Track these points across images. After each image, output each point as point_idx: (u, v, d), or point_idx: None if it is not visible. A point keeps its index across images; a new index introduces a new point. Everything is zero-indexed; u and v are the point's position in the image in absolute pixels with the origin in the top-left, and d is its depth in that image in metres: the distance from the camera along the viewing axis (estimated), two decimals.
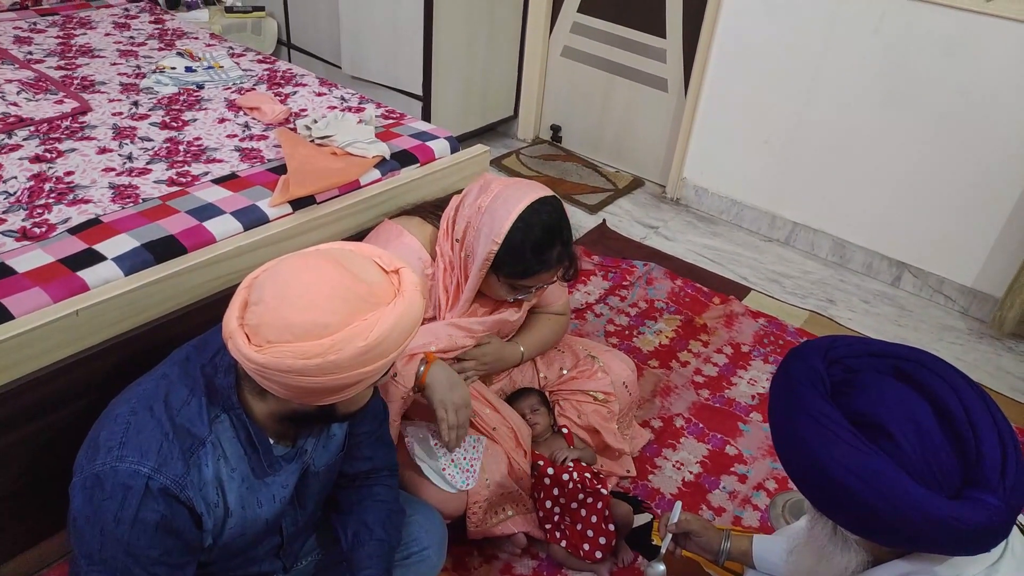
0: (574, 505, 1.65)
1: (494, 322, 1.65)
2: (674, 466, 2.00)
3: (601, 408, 1.81)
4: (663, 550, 1.42)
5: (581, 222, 3.08)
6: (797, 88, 2.83)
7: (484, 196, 1.51)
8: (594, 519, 1.64)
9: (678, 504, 1.45)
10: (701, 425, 2.13)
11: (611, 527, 1.66)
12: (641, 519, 1.82)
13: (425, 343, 1.56)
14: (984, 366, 2.52)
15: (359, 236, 1.86)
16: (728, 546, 1.41)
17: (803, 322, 2.62)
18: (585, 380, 1.81)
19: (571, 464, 1.67)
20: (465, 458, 1.60)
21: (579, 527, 1.64)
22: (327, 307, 0.96)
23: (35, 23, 2.68)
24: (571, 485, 1.64)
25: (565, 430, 1.75)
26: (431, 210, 1.67)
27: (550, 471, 1.64)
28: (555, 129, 3.70)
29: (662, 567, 1.44)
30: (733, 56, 2.93)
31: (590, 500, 1.66)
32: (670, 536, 1.43)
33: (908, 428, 0.83)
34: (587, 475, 1.68)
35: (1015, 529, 0.92)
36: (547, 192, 1.51)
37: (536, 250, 1.47)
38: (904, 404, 0.85)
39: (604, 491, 1.68)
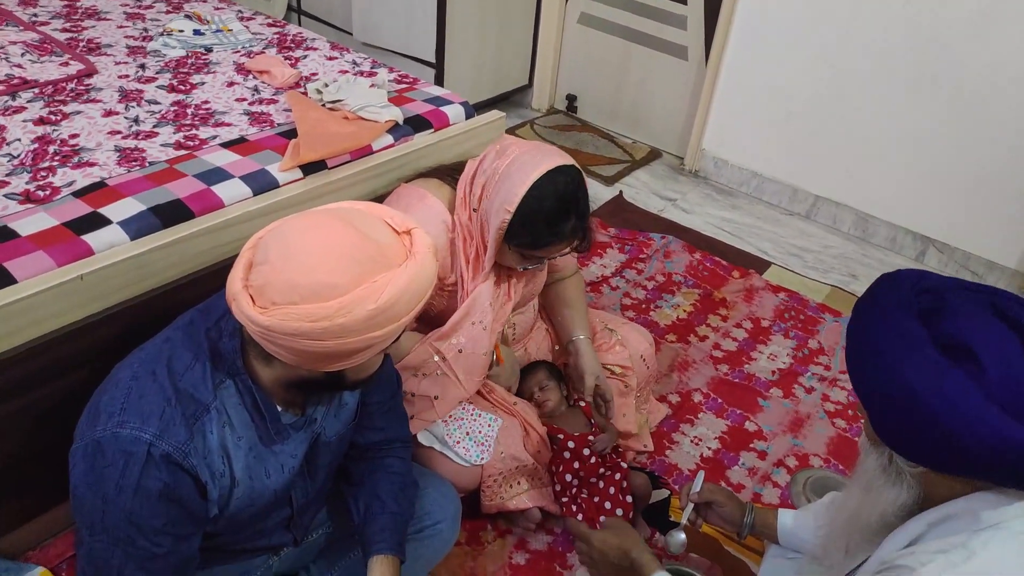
0: (592, 479, 1.61)
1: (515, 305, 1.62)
2: (692, 442, 1.95)
3: (618, 382, 1.77)
4: (684, 520, 1.38)
5: (597, 194, 3.01)
6: (821, 59, 2.74)
7: (501, 160, 1.44)
8: (612, 491, 1.61)
9: (701, 473, 1.41)
10: (720, 400, 2.08)
11: (629, 499, 1.62)
12: (658, 495, 1.78)
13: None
14: None
15: (372, 201, 1.82)
16: (752, 519, 1.37)
17: (824, 297, 2.56)
18: (603, 353, 1.77)
19: (592, 438, 1.62)
20: (481, 432, 1.57)
21: (596, 499, 1.60)
22: (335, 267, 0.91)
23: None
24: (593, 459, 1.60)
25: (583, 403, 1.70)
26: (448, 173, 1.60)
27: (571, 444, 1.60)
28: (571, 99, 3.62)
29: (683, 536, 1.40)
30: (756, 25, 2.84)
31: (608, 473, 1.62)
32: (691, 506, 1.39)
33: (995, 355, 0.81)
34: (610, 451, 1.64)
35: None
36: (566, 160, 1.43)
37: (549, 221, 1.39)
38: (994, 333, 0.83)
39: (623, 463, 1.64)
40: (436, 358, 1.51)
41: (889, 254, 2.85)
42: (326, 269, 0.90)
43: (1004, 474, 0.82)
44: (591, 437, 1.62)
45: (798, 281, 2.62)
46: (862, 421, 0.96)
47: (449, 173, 1.60)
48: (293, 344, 0.93)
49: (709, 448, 1.94)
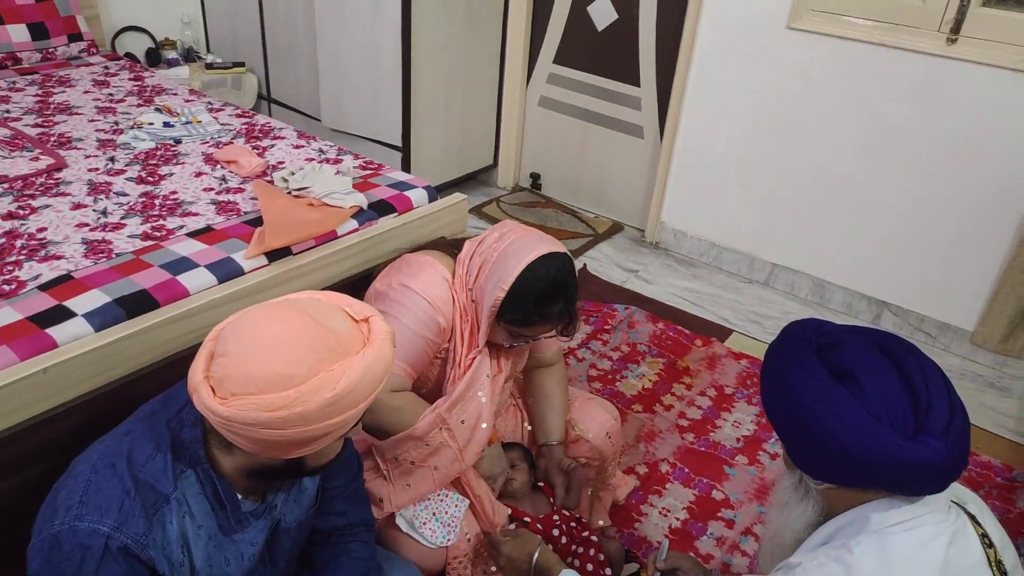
0: (568, 559, 1.62)
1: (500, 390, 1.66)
2: (660, 513, 1.96)
3: (587, 471, 1.79)
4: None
5: None
6: (772, 132, 2.88)
7: (501, 241, 1.53)
8: (590, 567, 1.61)
9: (665, 542, 1.44)
10: (687, 470, 2.11)
11: (608, 571, 1.62)
12: (629, 568, 1.78)
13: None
14: (968, 403, 2.46)
15: (335, 286, 1.85)
16: None
17: None
18: (571, 446, 1.79)
19: (556, 518, 1.64)
20: (447, 513, 1.57)
21: None
22: (292, 358, 0.93)
23: (14, 82, 2.70)
24: (563, 540, 1.61)
25: (541, 484, 1.73)
26: (448, 246, 1.66)
27: (539, 527, 1.61)
28: (534, 177, 3.74)
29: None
30: (707, 101, 2.99)
31: (581, 550, 1.63)
32: (658, 575, 1.40)
33: (873, 378, 0.97)
34: (572, 523, 1.65)
35: (960, 511, 1.02)
36: (560, 248, 1.51)
37: (538, 302, 1.46)
38: (873, 362, 0.99)
39: (593, 538, 1.65)
40: (442, 430, 1.54)
41: (846, 318, 2.94)
42: (283, 360, 0.93)
43: (886, 479, 0.95)
44: (555, 516, 1.63)
45: (759, 347, 2.69)
46: (780, 451, 1.07)
47: (448, 247, 1.66)
48: (253, 433, 0.95)
49: (677, 519, 1.95)
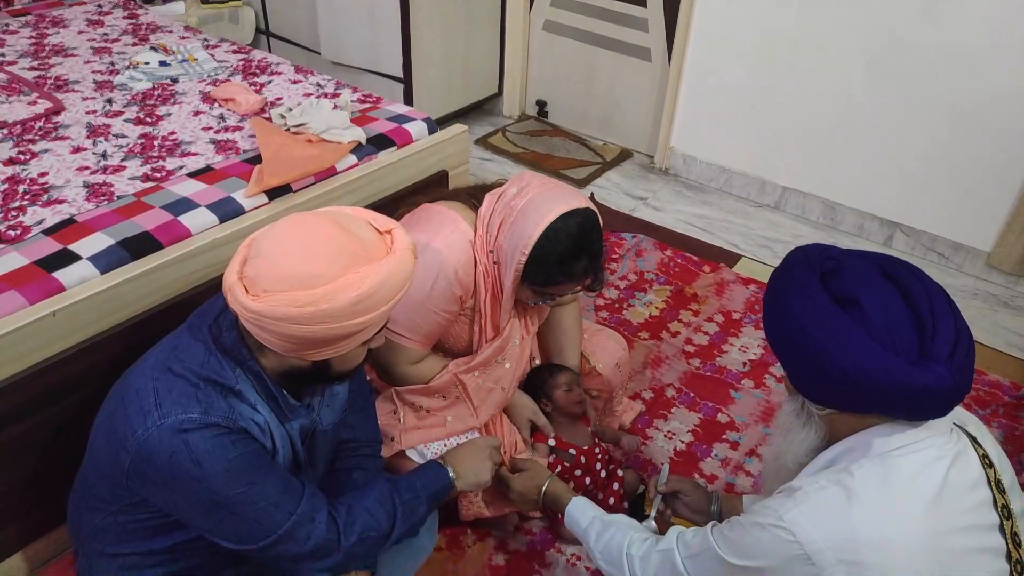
0: (594, 490, 1.69)
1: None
2: (666, 436, 2.00)
3: (596, 403, 1.82)
4: (654, 512, 1.43)
5: None
6: (781, 52, 2.79)
7: (518, 199, 1.45)
8: (611, 501, 1.67)
9: (665, 467, 1.48)
10: (692, 394, 2.13)
11: (625, 504, 1.70)
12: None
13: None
14: (979, 322, 2.50)
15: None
16: (719, 507, 1.44)
17: None
18: (584, 378, 1.80)
19: (598, 451, 1.69)
20: (457, 441, 1.61)
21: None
22: (322, 259, 1.01)
23: (7, 24, 2.66)
24: (603, 473, 1.68)
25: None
26: (469, 195, 1.58)
27: (583, 460, 1.66)
28: (541, 104, 3.67)
29: (653, 525, 1.44)
30: (715, 22, 2.89)
31: (609, 482, 1.70)
32: (660, 498, 1.45)
33: (876, 302, 0.95)
34: (606, 455, 1.71)
35: (961, 432, 1.04)
36: (581, 202, 1.44)
37: (561, 263, 1.42)
38: (877, 285, 0.97)
39: (619, 471, 1.71)
40: (458, 387, 1.58)
41: (857, 240, 2.91)
42: (313, 261, 1.01)
43: (889, 404, 0.95)
44: (596, 450, 1.68)
45: (768, 272, 2.65)
46: (784, 376, 1.09)
47: (469, 196, 1.58)
48: (283, 329, 1.02)
49: (682, 442, 1.99)
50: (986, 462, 1.02)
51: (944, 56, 2.46)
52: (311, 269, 1.00)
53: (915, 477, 0.95)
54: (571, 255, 1.41)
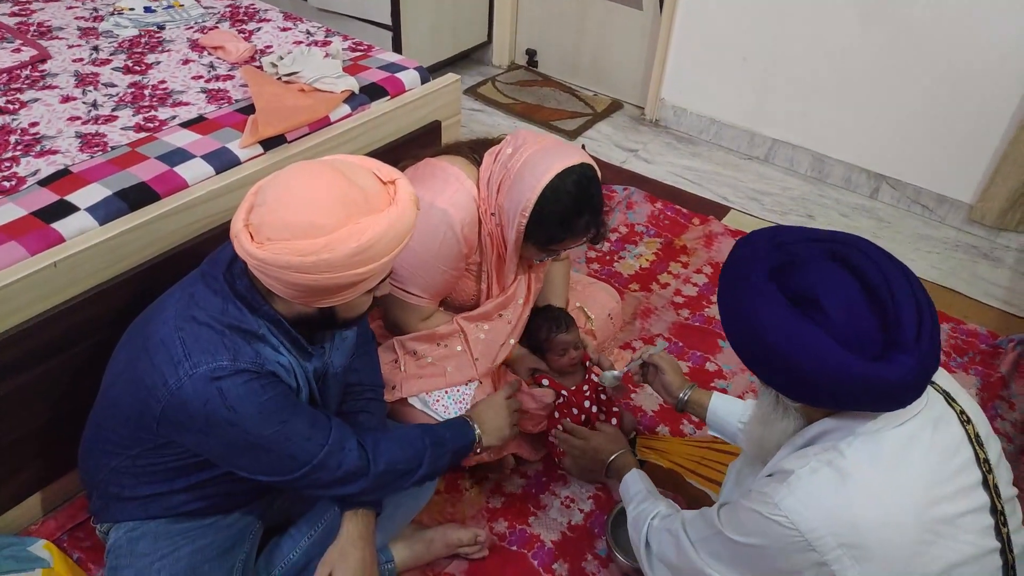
0: (588, 424, 1.74)
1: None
2: None
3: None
4: (627, 367, 1.55)
5: None
6: (772, 3, 2.77)
7: (514, 160, 1.46)
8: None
9: (663, 343, 1.52)
10: (681, 344, 2.19)
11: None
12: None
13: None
14: (960, 273, 2.56)
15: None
16: (688, 395, 1.53)
17: None
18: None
19: (587, 388, 1.74)
20: (459, 391, 1.64)
21: None
22: (324, 209, 1.02)
23: None
24: (594, 409, 1.73)
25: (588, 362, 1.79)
26: (470, 150, 1.59)
27: (573, 398, 1.70)
28: (531, 53, 3.63)
29: (617, 373, 1.59)
30: None
31: (603, 418, 1.75)
32: (640, 359, 1.55)
33: (836, 300, 0.91)
34: (601, 394, 1.76)
35: (935, 392, 1.04)
36: (577, 158, 1.44)
37: (562, 221, 1.44)
38: (834, 279, 0.94)
39: (615, 408, 1.77)
40: (460, 336, 1.61)
41: (845, 192, 2.94)
42: (315, 210, 1.02)
43: (861, 400, 0.93)
44: (585, 387, 1.72)
45: (756, 224, 2.71)
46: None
47: (471, 151, 1.59)
48: (286, 276, 1.04)
49: None
50: (964, 418, 1.03)
51: (934, 9, 2.46)
52: (313, 219, 1.02)
53: (903, 452, 0.96)
54: (572, 212, 1.43)
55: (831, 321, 0.90)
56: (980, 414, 1.07)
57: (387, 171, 1.14)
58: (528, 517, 1.70)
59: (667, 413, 1.97)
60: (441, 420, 1.60)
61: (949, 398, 1.05)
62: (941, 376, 1.08)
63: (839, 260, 0.96)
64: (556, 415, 1.69)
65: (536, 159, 1.43)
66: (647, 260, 2.49)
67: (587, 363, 1.76)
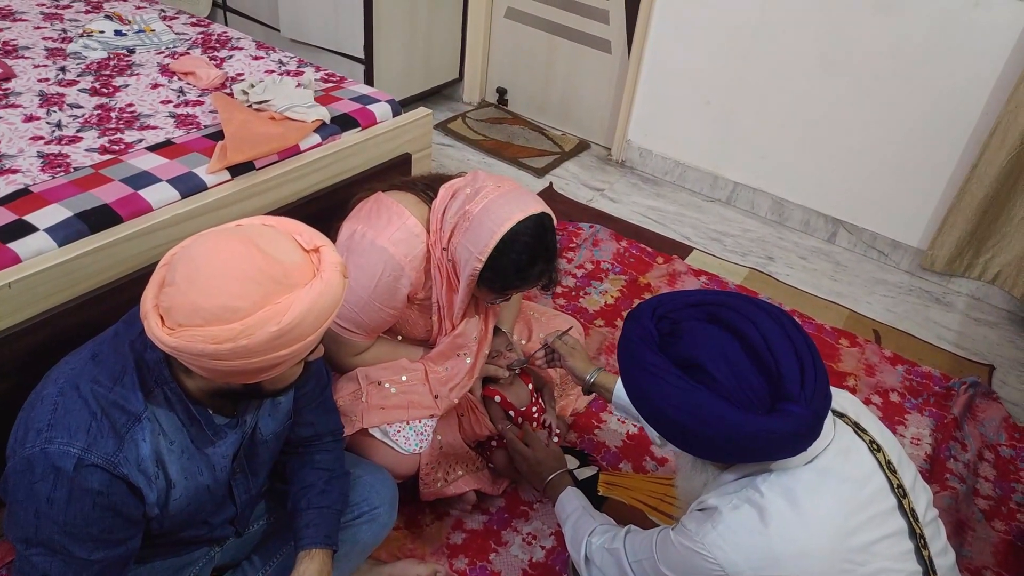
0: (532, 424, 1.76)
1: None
2: (619, 420, 2.06)
3: (549, 375, 1.86)
4: (535, 353, 1.64)
5: (528, 186, 3.09)
6: (737, 49, 2.87)
7: (473, 204, 1.44)
8: (544, 435, 1.76)
9: (577, 328, 1.64)
10: None
11: (552, 426, 1.80)
12: (588, 471, 1.88)
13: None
14: (913, 316, 2.64)
15: (299, 202, 1.85)
16: (595, 378, 1.59)
17: (743, 279, 2.70)
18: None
19: (535, 409, 1.77)
20: (420, 421, 1.63)
21: None
22: (237, 291, 0.93)
23: None
24: (534, 425, 1.75)
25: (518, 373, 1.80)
26: (424, 187, 1.58)
27: (519, 420, 1.72)
28: (501, 92, 3.69)
29: (523, 358, 1.68)
30: (674, 17, 2.95)
31: (535, 422, 1.78)
32: (545, 345, 1.64)
33: (720, 363, 0.96)
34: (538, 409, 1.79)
35: (844, 425, 1.08)
36: (535, 209, 1.44)
37: (517, 270, 1.44)
38: (715, 343, 0.98)
39: (534, 409, 1.78)
40: (421, 371, 1.62)
41: (804, 236, 3.02)
42: (228, 292, 0.92)
43: (763, 452, 0.97)
44: (534, 408, 1.75)
45: (718, 264, 2.76)
46: None
47: (425, 188, 1.57)
48: (202, 363, 0.96)
49: (635, 425, 2.05)
50: (874, 447, 1.07)
51: (892, 60, 2.58)
52: (225, 302, 0.92)
53: (817, 485, 1.00)
54: (527, 261, 1.44)
55: (719, 384, 0.95)
56: (892, 441, 1.11)
57: (309, 236, 1.03)
58: (489, 554, 1.68)
59: (629, 450, 1.98)
60: (402, 451, 1.58)
61: (859, 428, 1.09)
62: (851, 406, 1.13)
63: (718, 322, 1.01)
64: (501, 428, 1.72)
65: (496, 205, 1.43)
66: (612, 297, 2.52)
67: (532, 392, 1.79)
